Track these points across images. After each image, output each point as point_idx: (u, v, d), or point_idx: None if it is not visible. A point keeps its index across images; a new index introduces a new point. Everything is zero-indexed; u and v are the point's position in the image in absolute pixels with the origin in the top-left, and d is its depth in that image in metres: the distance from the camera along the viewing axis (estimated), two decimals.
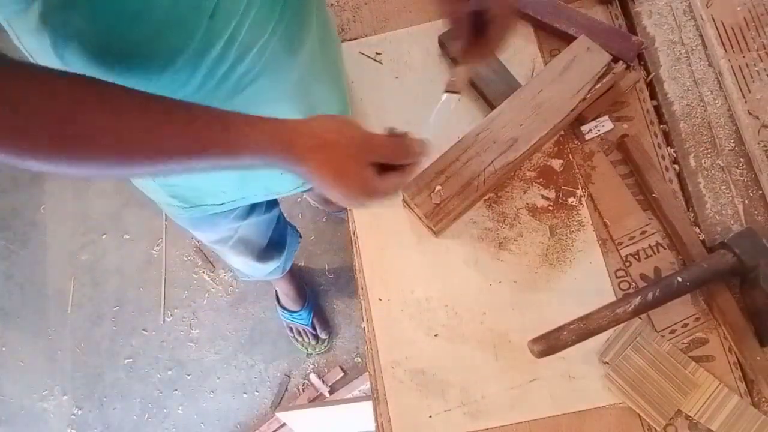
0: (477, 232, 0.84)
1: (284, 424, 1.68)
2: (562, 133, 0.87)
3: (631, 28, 0.91)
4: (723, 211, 0.80)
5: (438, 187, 0.80)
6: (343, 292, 1.83)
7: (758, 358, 0.72)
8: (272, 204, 1.19)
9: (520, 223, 0.84)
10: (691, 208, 0.81)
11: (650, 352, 0.75)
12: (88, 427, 1.85)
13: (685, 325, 0.77)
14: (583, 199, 0.83)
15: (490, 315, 0.81)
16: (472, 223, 0.85)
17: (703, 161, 0.83)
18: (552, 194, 0.84)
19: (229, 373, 1.82)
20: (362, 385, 1.67)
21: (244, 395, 1.79)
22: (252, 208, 1.08)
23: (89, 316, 1.94)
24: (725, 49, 0.85)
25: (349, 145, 0.59)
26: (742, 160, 0.82)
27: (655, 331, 0.77)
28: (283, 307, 1.76)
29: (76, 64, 0.55)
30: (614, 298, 0.78)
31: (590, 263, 0.81)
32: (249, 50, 0.62)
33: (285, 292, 1.73)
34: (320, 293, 1.84)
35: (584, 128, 0.86)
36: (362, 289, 0.85)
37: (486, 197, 0.86)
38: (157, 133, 0.51)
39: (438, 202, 0.80)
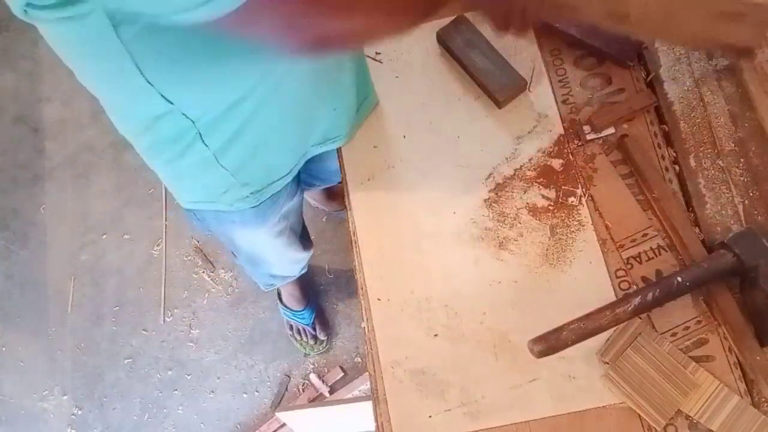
0: (477, 232, 0.84)
1: (284, 424, 1.68)
2: (563, 132, 0.87)
3: None
4: (723, 211, 0.80)
5: None
6: (343, 292, 1.83)
7: (758, 358, 0.72)
8: (299, 187, 1.19)
9: (520, 223, 0.84)
10: (691, 208, 0.81)
11: (650, 352, 0.74)
12: (88, 427, 1.84)
13: (687, 328, 0.76)
14: (584, 199, 0.83)
15: (490, 315, 0.81)
16: (472, 223, 0.85)
17: (703, 161, 0.83)
18: (552, 194, 0.84)
19: (229, 373, 1.82)
20: (362, 385, 1.67)
21: (244, 395, 1.79)
22: (296, 187, 1.09)
23: (89, 316, 1.93)
24: None
25: None
26: (742, 160, 0.82)
27: (656, 331, 0.77)
28: (286, 306, 1.76)
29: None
30: (614, 298, 0.78)
31: (590, 263, 0.81)
32: None
33: (290, 292, 1.73)
34: (320, 293, 1.84)
35: (585, 128, 0.86)
36: (362, 289, 0.85)
37: (486, 197, 0.86)
38: None
39: None
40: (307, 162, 1.03)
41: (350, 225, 0.88)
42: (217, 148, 0.76)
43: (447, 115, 0.91)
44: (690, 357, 0.75)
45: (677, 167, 0.84)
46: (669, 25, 0.73)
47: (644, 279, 0.79)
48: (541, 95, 0.89)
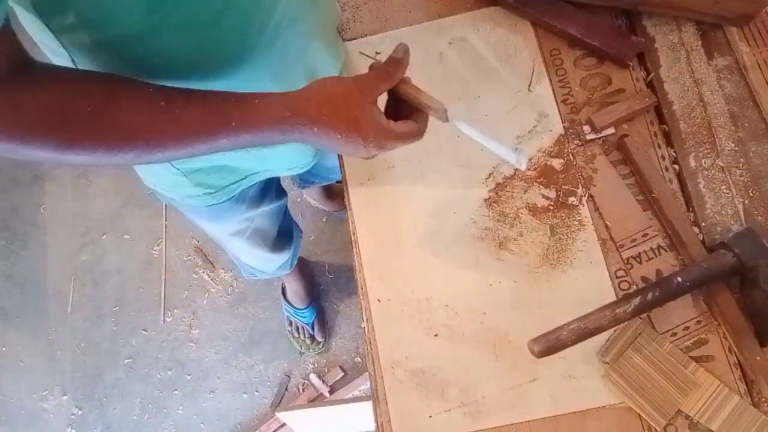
0: (477, 231, 0.84)
1: (284, 424, 1.68)
2: (563, 132, 0.87)
3: (632, 27, 0.91)
4: (723, 211, 0.80)
5: None
6: (343, 292, 1.84)
7: (758, 358, 0.72)
8: (281, 193, 1.20)
9: (520, 223, 0.84)
10: (691, 208, 0.81)
11: (650, 352, 0.74)
12: (88, 427, 1.85)
13: (687, 328, 0.76)
14: (584, 199, 0.83)
15: (490, 315, 0.81)
16: (472, 222, 0.85)
17: (703, 161, 0.83)
18: (552, 194, 0.84)
19: (229, 373, 1.82)
20: (362, 385, 1.67)
21: (244, 395, 1.80)
22: (263, 195, 1.09)
23: (89, 316, 1.94)
24: (749, 45, 0.86)
25: (349, 91, 0.61)
26: (742, 160, 0.82)
27: (656, 331, 0.77)
28: (289, 302, 1.76)
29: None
30: (614, 298, 0.78)
31: (590, 263, 0.81)
32: (276, 6, 0.63)
33: (294, 289, 1.73)
34: (320, 293, 1.84)
35: (585, 128, 0.86)
36: (362, 289, 0.85)
37: (486, 197, 0.86)
38: (182, 117, 0.55)
39: None
40: None
41: (350, 225, 0.88)
42: None
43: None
44: (690, 357, 0.75)
45: (677, 167, 0.84)
46: None
47: (644, 279, 0.79)
48: (541, 95, 0.89)
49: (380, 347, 0.82)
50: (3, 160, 2.07)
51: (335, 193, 1.84)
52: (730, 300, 0.75)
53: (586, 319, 0.71)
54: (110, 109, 0.52)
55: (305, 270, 1.76)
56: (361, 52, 0.96)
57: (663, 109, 0.86)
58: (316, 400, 1.74)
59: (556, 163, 0.86)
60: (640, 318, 0.76)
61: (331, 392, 1.74)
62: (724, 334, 0.76)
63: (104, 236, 1.99)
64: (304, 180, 1.46)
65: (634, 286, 0.79)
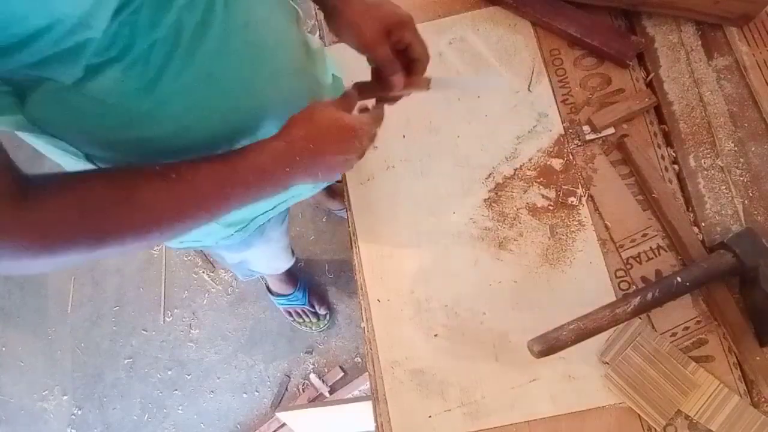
0: (477, 231, 0.84)
1: (284, 424, 1.68)
2: (563, 132, 0.87)
3: (631, 28, 0.91)
4: (723, 211, 0.80)
5: None
6: (343, 292, 1.84)
7: (758, 358, 0.72)
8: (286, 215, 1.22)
9: (520, 223, 0.84)
10: (690, 208, 0.81)
11: (650, 352, 0.75)
12: (88, 427, 1.85)
13: (687, 328, 0.76)
14: (584, 199, 0.83)
15: (490, 315, 0.81)
16: (472, 223, 0.85)
17: (703, 161, 0.83)
18: (552, 194, 0.84)
19: (229, 373, 1.82)
20: (362, 385, 1.67)
21: (244, 395, 1.80)
22: (284, 213, 1.11)
23: (89, 316, 1.94)
24: (749, 45, 0.86)
25: (316, 110, 0.64)
26: (742, 160, 0.82)
27: (656, 331, 0.77)
28: (277, 294, 1.76)
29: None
30: (614, 298, 0.78)
31: (590, 263, 0.81)
32: (264, 27, 0.63)
33: (276, 277, 1.73)
34: (320, 293, 1.84)
35: (585, 128, 0.86)
36: (362, 289, 0.85)
37: (486, 197, 0.86)
38: (195, 183, 0.56)
39: None
40: None
41: (350, 225, 0.88)
42: None
43: (447, 115, 0.91)
44: (690, 357, 0.75)
45: (677, 167, 0.84)
46: None
47: (644, 279, 0.79)
48: (541, 95, 0.89)
49: (380, 347, 0.82)
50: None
51: (335, 193, 1.84)
52: (730, 300, 0.75)
53: (586, 319, 0.71)
54: (128, 194, 0.53)
55: None
56: None
57: (663, 109, 0.86)
58: (316, 400, 1.74)
59: (556, 163, 0.86)
60: (640, 318, 0.76)
61: (331, 392, 1.74)
62: (723, 334, 0.76)
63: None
64: None
65: (634, 286, 0.79)
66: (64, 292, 1.97)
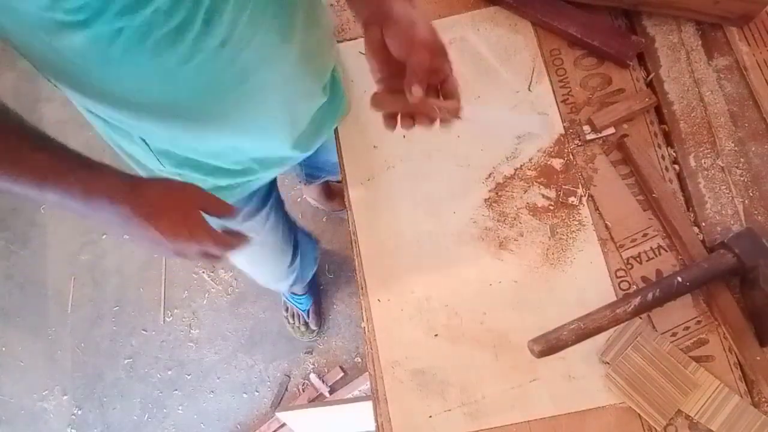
0: (477, 231, 0.84)
1: (284, 424, 1.68)
2: (563, 132, 0.87)
3: (632, 27, 0.91)
4: (723, 211, 0.80)
5: None
6: (343, 292, 1.84)
7: (758, 358, 0.72)
8: (274, 204, 1.20)
9: (520, 223, 0.84)
10: (691, 208, 0.81)
11: (650, 352, 0.74)
12: (88, 427, 1.85)
13: (687, 328, 0.76)
14: (584, 199, 0.83)
15: (490, 315, 0.81)
16: (472, 222, 0.85)
17: (703, 161, 0.83)
18: (552, 194, 0.84)
19: (229, 373, 1.82)
20: (362, 385, 1.67)
21: (244, 395, 1.80)
22: (257, 206, 1.09)
23: (89, 316, 1.94)
24: (749, 45, 0.86)
25: (181, 192, 0.70)
26: (742, 160, 0.82)
27: (656, 331, 0.77)
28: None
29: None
30: (614, 298, 0.78)
31: (591, 263, 0.81)
32: (245, 48, 0.63)
33: None
34: (320, 293, 1.84)
35: (585, 128, 0.86)
36: (362, 289, 0.85)
37: (486, 197, 0.86)
38: (32, 158, 0.62)
39: None
40: (307, 157, 1.03)
41: (350, 225, 0.88)
42: (158, 150, 0.79)
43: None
44: (690, 357, 0.75)
45: (677, 167, 0.84)
46: None
47: (644, 279, 0.79)
48: (541, 95, 0.89)
49: (380, 347, 0.82)
50: None
51: (335, 193, 1.84)
52: (730, 300, 0.75)
53: (586, 319, 0.71)
54: None
55: None
56: (361, 52, 0.96)
57: (663, 109, 0.86)
58: (316, 400, 1.74)
59: (556, 163, 0.86)
60: (640, 318, 0.76)
61: (331, 392, 1.74)
62: (724, 334, 0.76)
63: (104, 236, 1.99)
64: (310, 175, 1.47)
65: (634, 286, 0.79)
66: (64, 292, 1.97)
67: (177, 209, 0.68)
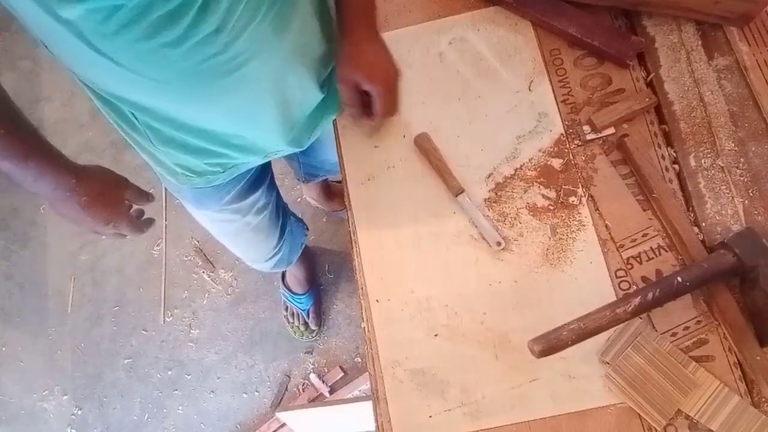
0: (477, 231, 0.84)
1: (284, 424, 1.68)
2: (563, 132, 0.87)
3: (632, 28, 0.91)
4: (723, 211, 0.80)
5: None
6: (343, 292, 1.84)
7: (758, 358, 0.72)
8: (267, 189, 1.19)
9: (520, 223, 0.84)
10: (691, 208, 0.81)
11: (650, 352, 0.74)
12: (88, 427, 1.85)
13: (687, 328, 0.76)
14: (584, 199, 0.83)
15: (490, 315, 0.81)
16: (472, 222, 0.85)
17: (703, 161, 0.83)
18: (552, 194, 0.84)
19: (229, 373, 1.82)
20: (362, 385, 1.67)
21: (244, 395, 1.80)
22: (248, 189, 1.10)
23: (89, 316, 1.94)
24: (749, 45, 0.86)
25: (113, 182, 0.86)
26: (742, 159, 0.82)
27: (656, 331, 0.77)
28: (287, 287, 1.77)
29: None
30: (614, 298, 0.78)
31: (591, 263, 0.81)
32: (239, 36, 0.64)
33: (293, 272, 1.74)
34: (319, 283, 1.84)
35: (585, 128, 0.86)
36: (362, 289, 0.85)
37: (486, 197, 0.86)
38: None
39: None
40: (305, 155, 1.03)
41: (350, 225, 0.88)
42: (146, 125, 0.81)
43: (447, 115, 0.91)
44: (690, 357, 0.75)
45: (677, 167, 0.84)
46: None
47: (644, 279, 0.79)
48: (541, 95, 0.89)
49: (380, 347, 0.82)
50: None
51: (335, 193, 1.84)
52: (730, 300, 0.75)
53: (586, 319, 0.71)
54: None
55: (307, 257, 1.76)
56: None
57: (663, 109, 0.86)
58: (316, 400, 1.74)
59: (556, 163, 0.86)
60: (640, 318, 0.76)
61: (331, 392, 1.74)
62: (724, 334, 0.76)
63: (104, 237, 1.99)
64: (308, 174, 1.47)
65: (634, 286, 0.79)
66: (64, 292, 1.97)
67: (107, 199, 0.83)
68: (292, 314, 1.77)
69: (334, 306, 1.83)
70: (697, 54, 0.88)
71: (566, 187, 0.84)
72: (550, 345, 0.69)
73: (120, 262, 1.96)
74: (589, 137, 0.86)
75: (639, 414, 0.73)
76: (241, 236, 1.24)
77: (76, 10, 0.54)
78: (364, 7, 0.82)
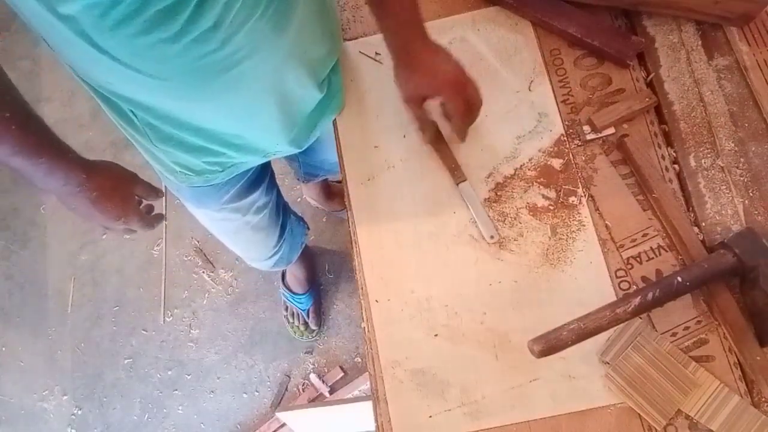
0: (477, 231, 0.84)
1: (284, 424, 1.68)
2: (563, 132, 0.87)
3: (632, 27, 0.91)
4: (723, 211, 0.80)
5: None
6: (343, 292, 1.84)
7: (758, 358, 0.72)
8: (267, 188, 1.19)
9: (520, 223, 0.84)
10: (691, 208, 0.81)
11: (650, 352, 0.74)
12: (88, 427, 1.85)
13: (687, 328, 0.76)
14: (584, 199, 0.83)
15: (490, 315, 0.81)
16: (472, 222, 0.85)
17: (703, 161, 0.83)
18: (552, 194, 0.84)
19: (229, 373, 1.82)
20: (362, 385, 1.67)
21: (244, 395, 1.80)
22: (248, 188, 1.09)
23: (89, 316, 1.94)
24: (749, 45, 0.86)
25: (125, 180, 0.86)
26: (742, 159, 0.82)
27: (656, 331, 0.77)
28: (287, 287, 1.76)
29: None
30: (614, 298, 0.78)
31: (590, 263, 0.81)
32: (237, 33, 0.64)
33: (293, 272, 1.74)
34: (320, 283, 1.84)
35: (585, 128, 0.86)
36: (362, 289, 0.85)
37: (486, 196, 0.86)
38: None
39: None
40: (305, 155, 1.02)
41: (350, 225, 0.88)
42: (145, 123, 0.81)
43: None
44: (690, 357, 0.75)
45: (677, 167, 0.84)
46: None
47: (644, 279, 0.79)
48: (541, 95, 0.89)
49: (380, 347, 0.82)
50: None
51: (335, 193, 1.84)
52: (730, 300, 0.75)
53: (586, 319, 0.71)
54: None
55: (307, 256, 1.77)
56: (361, 52, 0.96)
57: (663, 109, 0.86)
58: (316, 400, 1.74)
59: (556, 163, 0.86)
60: (640, 318, 0.76)
61: (331, 392, 1.74)
62: (724, 334, 0.76)
63: (104, 236, 1.99)
64: (308, 173, 1.47)
65: (634, 286, 0.79)
66: (64, 292, 1.97)
67: (117, 195, 0.83)
68: (292, 314, 1.77)
69: (334, 306, 1.83)
70: (697, 54, 0.88)
71: (566, 187, 0.84)
72: (550, 345, 0.69)
73: (120, 262, 1.96)
74: (589, 137, 0.86)
75: (639, 414, 0.73)
76: (240, 235, 1.24)
77: (75, 5, 0.54)
78: (410, 18, 0.77)
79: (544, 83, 0.90)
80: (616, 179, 0.84)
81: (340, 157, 0.92)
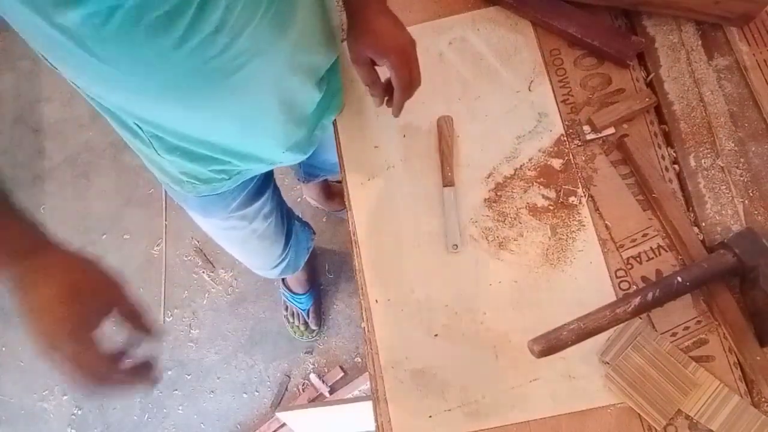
0: (477, 231, 0.84)
1: (284, 424, 1.68)
2: (563, 132, 0.87)
3: (632, 27, 0.91)
4: (723, 211, 0.80)
5: None
6: (343, 292, 1.84)
7: (758, 358, 0.72)
8: (271, 194, 1.19)
9: (520, 223, 0.84)
10: (691, 208, 0.81)
11: (650, 352, 0.74)
12: (88, 427, 1.85)
13: (687, 328, 0.76)
14: (584, 199, 0.83)
15: (490, 315, 0.81)
16: (472, 223, 0.85)
17: (703, 161, 0.83)
18: (552, 194, 0.84)
19: (229, 373, 1.82)
20: (362, 385, 1.67)
21: (244, 395, 1.79)
22: (252, 196, 1.09)
23: None
24: (749, 45, 0.86)
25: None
26: (742, 160, 0.82)
27: (656, 331, 0.77)
28: (287, 287, 1.77)
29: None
30: (614, 298, 0.78)
31: (590, 263, 0.81)
32: (239, 36, 0.64)
33: (295, 274, 1.74)
34: (320, 293, 1.84)
35: (585, 128, 0.86)
36: (362, 289, 0.85)
37: (486, 196, 0.86)
38: None
39: None
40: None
41: (350, 225, 0.88)
42: (150, 135, 0.79)
43: (447, 115, 0.91)
44: (690, 357, 0.75)
45: (677, 167, 0.84)
46: None
47: (644, 279, 0.79)
48: (541, 95, 0.89)
49: (380, 347, 0.82)
50: (3, 160, 2.07)
51: (335, 193, 1.84)
52: (730, 300, 0.75)
53: (586, 319, 0.71)
54: None
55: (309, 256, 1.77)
56: None
57: (663, 109, 0.86)
58: (316, 400, 1.74)
59: (556, 163, 0.86)
60: (640, 318, 0.76)
61: (331, 392, 1.74)
62: (724, 334, 0.76)
63: (104, 236, 1.99)
64: (308, 174, 1.47)
65: (634, 286, 0.79)
66: None
67: (70, 310, 0.56)
68: (292, 314, 1.77)
69: (334, 306, 1.83)
70: (697, 54, 0.88)
71: (566, 187, 0.84)
72: (550, 345, 0.69)
73: (120, 262, 1.96)
74: (589, 137, 0.86)
75: (639, 414, 0.73)
76: (248, 245, 1.24)
77: (73, 15, 0.53)
78: None
79: (544, 83, 0.90)
80: (616, 179, 0.84)
81: (340, 157, 0.92)
